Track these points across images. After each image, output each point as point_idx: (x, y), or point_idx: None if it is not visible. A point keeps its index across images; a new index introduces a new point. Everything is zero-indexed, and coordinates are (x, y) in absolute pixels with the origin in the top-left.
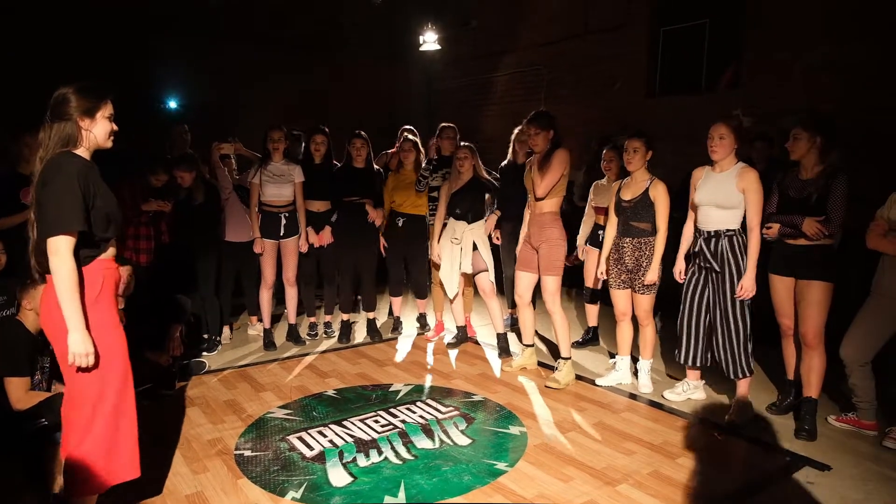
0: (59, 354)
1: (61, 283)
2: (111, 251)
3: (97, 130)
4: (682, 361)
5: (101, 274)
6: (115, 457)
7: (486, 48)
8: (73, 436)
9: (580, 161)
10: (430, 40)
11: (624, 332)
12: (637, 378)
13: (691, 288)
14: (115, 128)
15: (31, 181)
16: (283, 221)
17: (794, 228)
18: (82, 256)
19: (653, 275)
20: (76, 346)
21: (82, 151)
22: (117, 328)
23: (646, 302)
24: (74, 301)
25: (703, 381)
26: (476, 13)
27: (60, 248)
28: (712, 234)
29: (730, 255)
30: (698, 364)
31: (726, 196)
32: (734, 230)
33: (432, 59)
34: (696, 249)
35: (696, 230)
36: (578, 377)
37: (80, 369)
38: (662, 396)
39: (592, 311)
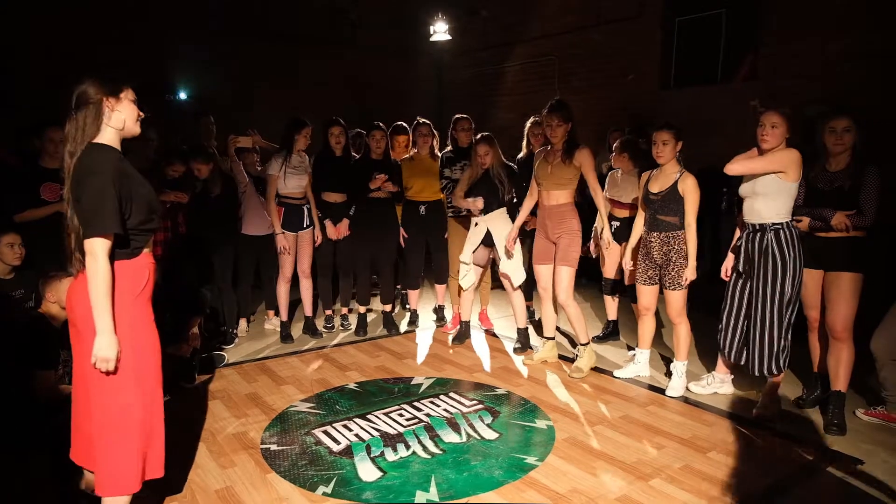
0: (86, 350)
1: (96, 285)
2: (150, 245)
3: (125, 112)
4: (723, 354)
5: (146, 268)
6: (148, 455)
7: (497, 38)
8: (106, 434)
9: (597, 153)
10: (440, 30)
11: (646, 326)
12: (670, 379)
13: (733, 279)
14: (143, 114)
15: (60, 176)
16: (306, 213)
17: (824, 222)
18: (132, 248)
19: (691, 273)
20: (102, 350)
21: (111, 136)
22: (152, 325)
23: (677, 299)
24: (107, 304)
25: (732, 376)
26: (486, 2)
27: (96, 250)
28: (757, 227)
29: (776, 250)
30: (733, 359)
31: (763, 183)
32: (780, 224)
33: (442, 50)
34: (739, 244)
35: (742, 225)
36: (600, 370)
37: (109, 371)
38: (687, 389)
39: (611, 303)
